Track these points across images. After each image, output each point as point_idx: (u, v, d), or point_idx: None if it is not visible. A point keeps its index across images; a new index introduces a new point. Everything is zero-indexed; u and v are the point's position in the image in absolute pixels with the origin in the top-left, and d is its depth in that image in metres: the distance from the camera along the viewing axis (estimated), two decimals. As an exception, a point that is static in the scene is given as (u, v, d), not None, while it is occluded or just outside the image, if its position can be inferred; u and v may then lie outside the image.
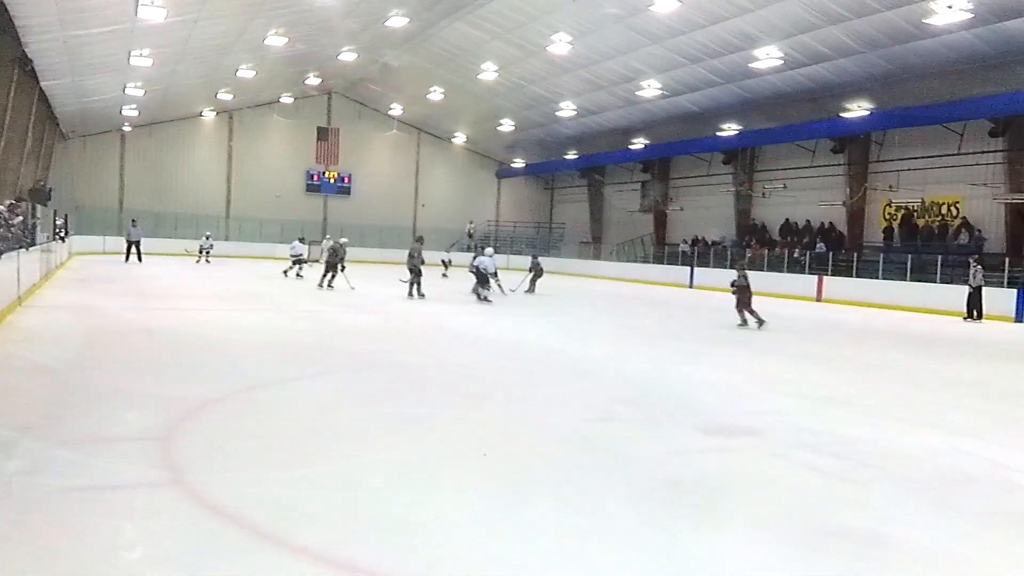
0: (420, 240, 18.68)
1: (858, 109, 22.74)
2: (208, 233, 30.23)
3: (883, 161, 24.37)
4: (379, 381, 7.84)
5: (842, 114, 23.19)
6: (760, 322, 13.91)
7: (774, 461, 5.18)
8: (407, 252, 18.12)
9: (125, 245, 27.34)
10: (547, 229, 43.06)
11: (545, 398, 7.10)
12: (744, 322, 14.08)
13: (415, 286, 17.56)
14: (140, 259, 26.85)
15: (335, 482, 4.43)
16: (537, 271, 21.84)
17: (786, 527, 3.93)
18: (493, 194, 43.35)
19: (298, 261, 24.03)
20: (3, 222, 11.25)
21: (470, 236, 40.16)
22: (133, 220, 28.88)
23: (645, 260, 33.33)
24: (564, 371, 8.76)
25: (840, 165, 25.54)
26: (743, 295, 14.13)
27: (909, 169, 23.14)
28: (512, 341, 11.27)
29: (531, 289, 21.35)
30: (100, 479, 4.30)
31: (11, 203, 14.28)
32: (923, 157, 22.69)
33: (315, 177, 39.12)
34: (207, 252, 28.77)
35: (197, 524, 3.70)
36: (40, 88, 22.77)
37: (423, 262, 17.84)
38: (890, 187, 23.82)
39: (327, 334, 11.24)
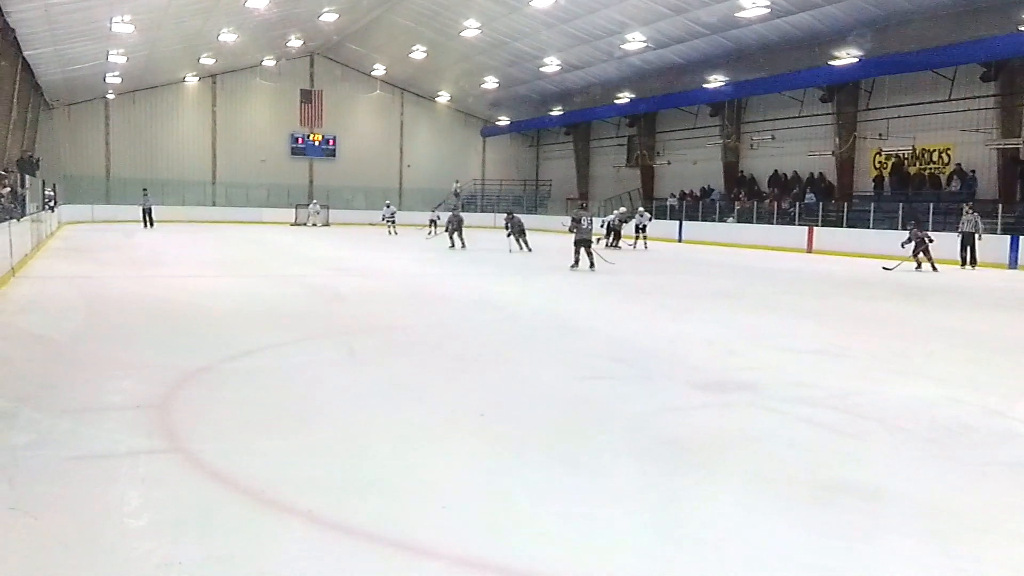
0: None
1: (847, 57, 22.47)
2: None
3: (872, 109, 24.24)
4: (372, 345, 7.84)
5: (830, 62, 22.92)
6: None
7: (770, 416, 5.20)
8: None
9: (141, 212, 28.87)
10: (533, 187, 42.85)
11: (537, 358, 7.12)
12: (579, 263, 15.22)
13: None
14: (152, 225, 28.48)
15: (332, 447, 4.45)
16: (517, 229, 20.75)
17: (785, 482, 3.95)
18: (478, 153, 43.01)
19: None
20: (-9, 193, 11.16)
21: (456, 195, 39.98)
22: (145, 189, 30.06)
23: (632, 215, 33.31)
24: (554, 330, 8.78)
25: (829, 114, 25.42)
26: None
27: (899, 117, 23.05)
28: (496, 301, 11.25)
29: (525, 247, 20.61)
30: (101, 448, 4.32)
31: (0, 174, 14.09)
32: (913, 104, 22.58)
33: (300, 140, 38.72)
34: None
35: (199, 491, 3.73)
36: (23, 58, 22.39)
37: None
38: (880, 135, 23.73)
39: (320, 299, 11.21)
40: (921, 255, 17.00)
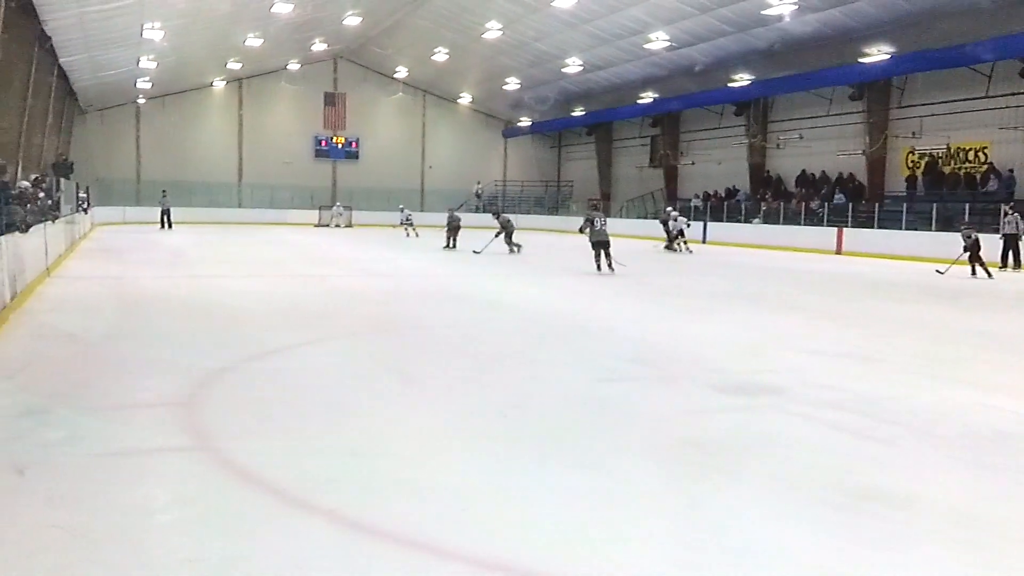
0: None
1: (878, 53, 22.02)
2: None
3: (905, 107, 23.74)
4: (393, 345, 7.89)
5: (861, 59, 22.48)
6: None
7: (796, 420, 5.12)
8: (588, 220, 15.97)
9: (159, 214, 29.52)
10: (555, 187, 42.77)
11: (558, 360, 7.11)
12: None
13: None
14: (171, 226, 29.02)
15: (355, 447, 4.48)
16: (505, 230, 20.03)
17: (811, 488, 3.87)
18: (500, 154, 43.01)
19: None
20: (29, 196, 11.38)
21: (478, 196, 40.03)
22: (163, 191, 30.79)
23: (656, 216, 33.11)
24: (575, 332, 8.75)
25: (859, 112, 24.96)
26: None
27: (933, 115, 22.50)
28: (520, 304, 11.21)
29: (513, 249, 19.83)
30: (131, 445, 4.39)
31: (36, 177, 14.42)
32: (948, 101, 21.95)
33: (323, 143, 39.03)
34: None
35: (224, 488, 3.78)
36: (59, 65, 22.91)
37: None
38: (913, 134, 23.29)
39: (342, 299, 11.30)
40: (975, 260, 15.80)
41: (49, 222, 13.36)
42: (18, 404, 5.15)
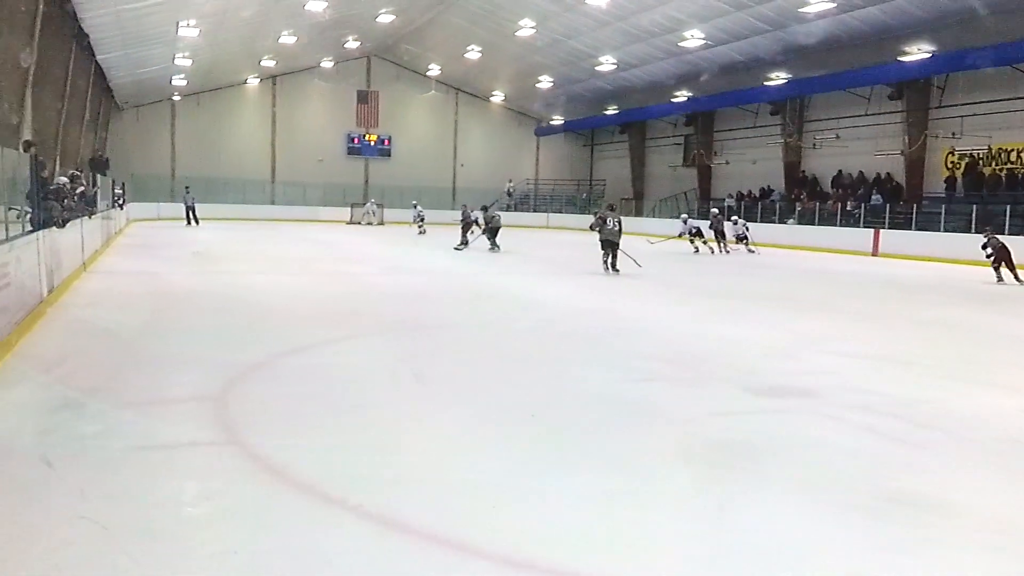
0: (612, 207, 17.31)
1: (918, 52, 21.59)
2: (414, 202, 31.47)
3: (945, 107, 23.22)
4: (423, 344, 7.90)
5: (900, 58, 22.05)
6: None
7: (828, 423, 5.04)
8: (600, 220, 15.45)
9: (184, 210, 29.86)
10: (587, 186, 42.62)
11: (587, 359, 7.07)
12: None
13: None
14: (197, 222, 29.27)
15: (384, 443, 4.50)
16: (488, 225, 19.83)
17: (843, 492, 3.81)
18: (532, 152, 42.98)
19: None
20: (67, 192, 11.62)
21: (509, 195, 40.03)
22: (187, 187, 31.37)
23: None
24: (605, 331, 8.70)
25: (898, 112, 24.50)
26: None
27: (974, 115, 21.94)
28: (548, 302, 11.20)
29: (494, 247, 19.53)
30: (163, 439, 4.45)
31: (73, 173, 14.72)
32: (990, 101, 21.41)
33: (356, 140, 39.32)
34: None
35: (254, 483, 3.82)
36: (96, 61, 23.34)
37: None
38: (953, 134, 22.78)
39: (372, 297, 11.37)
40: (1002, 266, 15.06)
41: (85, 218, 13.62)
42: (55, 398, 5.26)
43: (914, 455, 4.47)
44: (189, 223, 29.26)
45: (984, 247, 15.29)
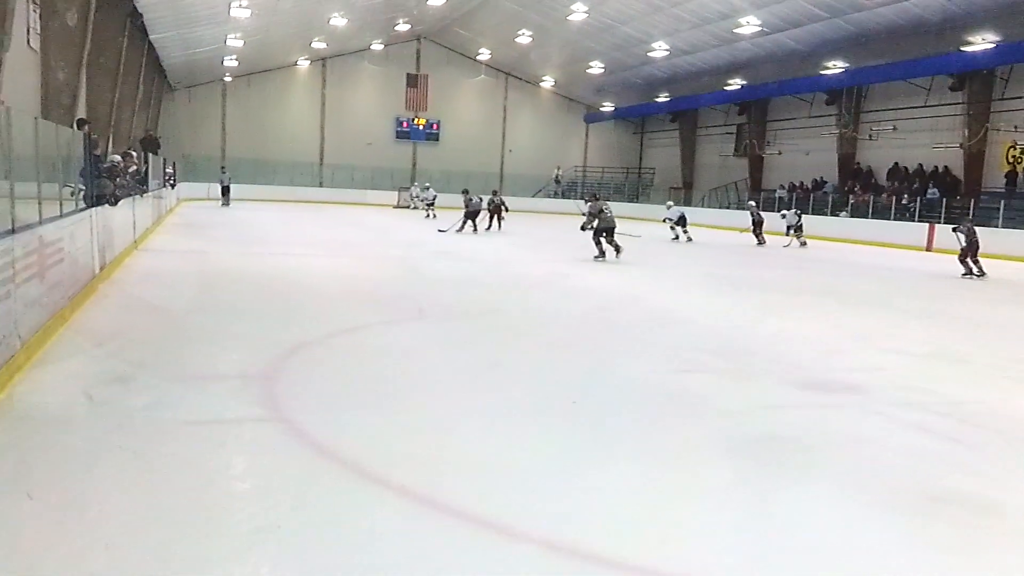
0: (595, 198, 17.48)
1: (981, 42, 20.76)
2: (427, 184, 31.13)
3: (1008, 99, 22.37)
4: (465, 327, 7.95)
5: (963, 48, 21.23)
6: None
7: (875, 420, 4.94)
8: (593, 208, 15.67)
9: (220, 190, 30.31)
10: (636, 174, 42.19)
11: (631, 349, 7.02)
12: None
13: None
14: (228, 203, 29.83)
15: (427, 425, 4.54)
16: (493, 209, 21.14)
17: (890, 490, 3.74)
18: (581, 139, 42.65)
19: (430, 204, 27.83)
20: (119, 170, 11.91)
21: (557, 182, 39.85)
22: (222, 167, 32.23)
23: (739, 206, 32.24)
24: (650, 321, 8.64)
25: (958, 104, 23.64)
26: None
27: (1039, 108, 21.23)
28: (595, 290, 11.14)
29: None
30: (210, 414, 4.56)
31: (125, 152, 15.09)
32: (1056, 94, 20.72)
33: (404, 124, 39.49)
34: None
35: (299, 460, 3.88)
36: (149, 41, 23.84)
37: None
38: (1015, 127, 21.93)
39: (416, 280, 11.45)
40: (968, 258, 14.72)
41: (137, 196, 13.94)
42: (107, 371, 5.42)
43: (963, 455, 4.36)
44: (225, 203, 29.73)
45: (955, 230, 14.97)
